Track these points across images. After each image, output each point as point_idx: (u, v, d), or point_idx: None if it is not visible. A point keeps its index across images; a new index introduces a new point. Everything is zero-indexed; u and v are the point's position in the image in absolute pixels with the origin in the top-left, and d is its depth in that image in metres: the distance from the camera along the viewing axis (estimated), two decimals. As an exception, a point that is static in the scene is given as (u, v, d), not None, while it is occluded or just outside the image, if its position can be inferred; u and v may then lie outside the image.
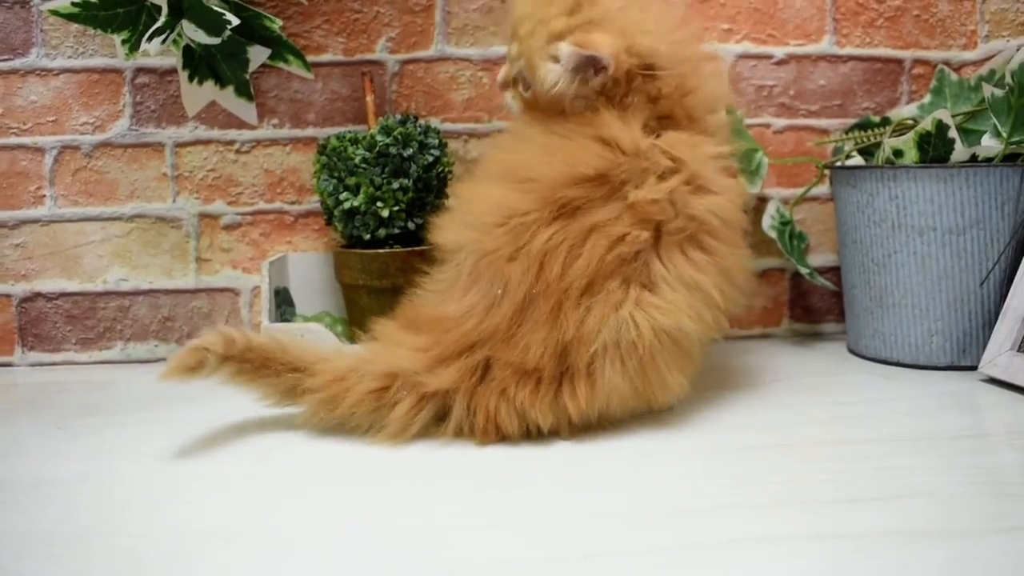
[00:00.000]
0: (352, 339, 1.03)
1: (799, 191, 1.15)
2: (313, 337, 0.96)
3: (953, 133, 0.95)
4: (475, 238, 0.79)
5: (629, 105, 0.82)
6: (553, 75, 0.83)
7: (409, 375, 0.77)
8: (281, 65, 1.05)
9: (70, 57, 1.08)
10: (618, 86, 0.82)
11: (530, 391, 0.75)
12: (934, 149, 0.97)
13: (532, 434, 0.77)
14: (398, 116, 1.01)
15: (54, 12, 0.94)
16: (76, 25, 1.01)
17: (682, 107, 0.83)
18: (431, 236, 0.85)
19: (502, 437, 0.77)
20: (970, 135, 1.02)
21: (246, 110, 1.07)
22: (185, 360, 0.75)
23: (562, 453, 0.75)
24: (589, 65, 0.81)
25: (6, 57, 1.08)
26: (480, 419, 0.76)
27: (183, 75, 1.03)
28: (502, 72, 0.91)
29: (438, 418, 0.78)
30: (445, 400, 0.77)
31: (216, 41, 0.95)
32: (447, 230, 0.83)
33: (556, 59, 0.82)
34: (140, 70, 1.09)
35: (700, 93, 0.84)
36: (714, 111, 0.87)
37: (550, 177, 0.78)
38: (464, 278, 0.78)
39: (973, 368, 0.97)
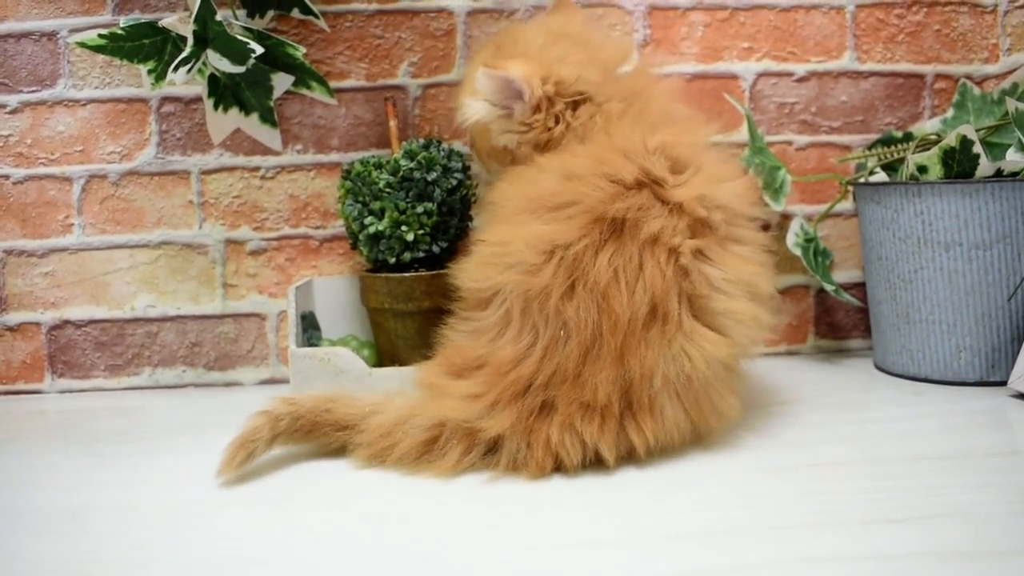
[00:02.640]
0: (378, 363, 1.03)
1: (823, 208, 1.14)
2: (340, 361, 0.96)
3: (978, 148, 0.95)
4: (518, 280, 0.75)
5: (577, 133, 0.84)
6: (471, 108, 0.86)
7: (459, 424, 0.75)
8: (304, 92, 1.07)
9: (97, 87, 1.10)
10: (539, 113, 0.84)
11: (597, 426, 0.73)
12: (959, 164, 0.97)
13: (588, 464, 0.76)
14: (421, 140, 1.01)
15: (81, 44, 0.95)
16: (102, 56, 1.03)
17: (637, 124, 0.83)
18: (457, 281, 0.82)
19: (557, 469, 0.75)
20: (994, 149, 1.02)
21: (270, 137, 1.09)
22: (237, 456, 0.75)
23: (591, 477, 0.75)
24: (508, 94, 0.83)
25: (34, 89, 1.09)
26: (538, 452, 0.74)
27: (208, 103, 1.04)
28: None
29: (486, 453, 0.76)
30: (497, 439, 0.75)
31: (241, 69, 0.96)
32: (479, 274, 0.79)
33: (476, 96, 0.85)
34: (166, 99, 1.10)
35: (651, 110, 0.85)
36: (669, 124, 0.86)
37: (592, 195, 0.75)
38: (515, 320, 0.75)
39: (1003, 383, 0.97)
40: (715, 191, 0.79)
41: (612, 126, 0.83)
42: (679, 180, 0.78)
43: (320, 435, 0.79)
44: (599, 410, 0.73)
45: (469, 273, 0.80)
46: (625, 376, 0.73)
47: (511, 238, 0.77)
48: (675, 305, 0.74)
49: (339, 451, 0.80)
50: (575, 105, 0.85)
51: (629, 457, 0.76)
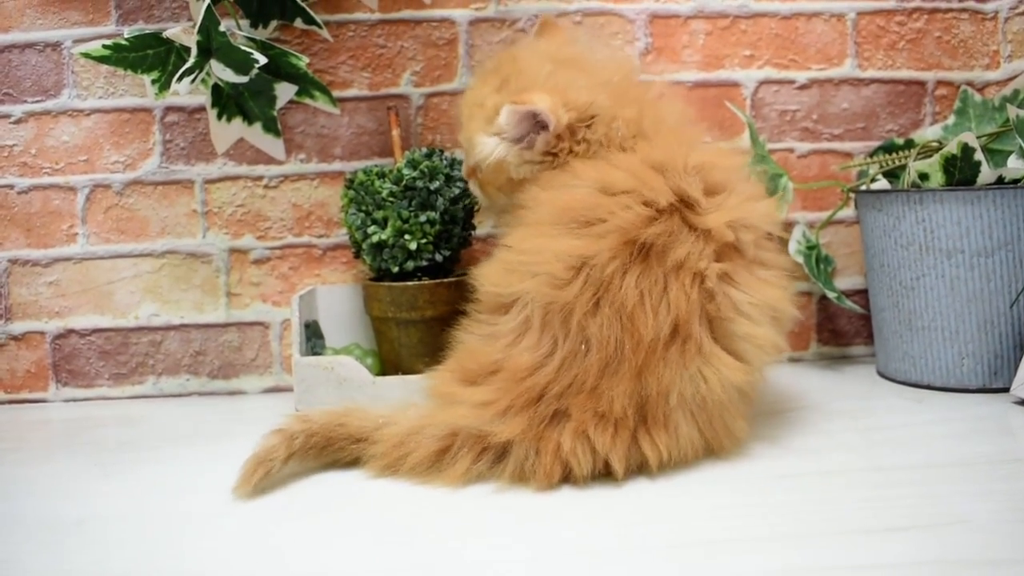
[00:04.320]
0: (381, 371, 1.03)
1: (824, 215, 1.15)
2: (344, 370, 0.96)
3: (979, 156, 0.95)
4: (543, 291, 0.75)
5: (587, 155, 0.84)
6: (488, 146, 0.86)
7: (471, 431, 0.75)
8: (308, 101, 1.07)
9: (101, 97, 1.10)
10: (562, 141, 0.84)
11: (610, 436, 0.73)
12: (960, 172, 0.97)
13: (597, 476, 0.75)
14: (424, 149, 1.02)
15: (85, 55, 0.96)
16: (106, 66, 1.03)
17: (646, 139, 0.84)
18: (477, 283, 0.82)
19: (565, 479, 0.74)
20: (995, 155, 1.02)
21: (274, 146, 1.09)
22: (254, 475, 0.75)
23: (595, 486, 0.75)
24: (529, 126, 0.83)
25: (38, 99, 1.10)
26: (547, 460, 0.73)
27: (212, 113, 1.04)
28: (464, 164, 0.96)
29: (495, 461, 0.76)
30: (506, 446, 0.75)
31: (244, 79, 0.96)
32: (502, 280, 0.79)
33: (495, 133, 0.85)
34: (169, 109, 1.11)
35: (659, 122, 0.86)
36: (689, 131, 0.88)
37: (625, 217, 0.75)
38: (534, 329, 0.75)
39: (1005, 390, 0.97)
40: (747, 214, 0.79)
41: (644, 136, 0.84)
42: (712, 204, 0.78)
43: (334, 450, 0.80)
44: (613, 421, 0.73)
45: (491, 277, 0.80)
46: (642, 392, 0.73)
47: (540, 248, 0.77)
48: (697, 328, 0.75)
49: (351, 463, 0.80)
50: (589, 127, 0.84)
51: (639, 470, 0.76)
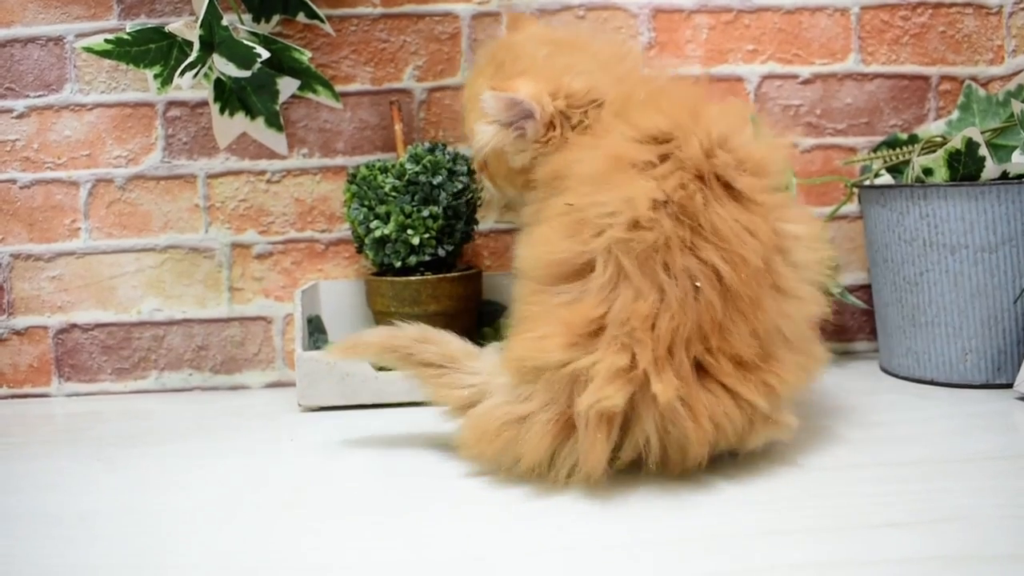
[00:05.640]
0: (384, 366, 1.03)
1: (828, 210, 1.15)
2: (346, 364, 0.96)
3: (983, 151, 0.95)
4: (629, 235, 0.68)
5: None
6: (484, 134, 0.84)
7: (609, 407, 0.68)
8: (310, 96, 1.07)
9: (103, 92, 1.10)
10: (553, 129, 0.83)
11: (752, 385, 0.70)
12: (964, 167, 0.97)
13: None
14: (426, 144, 1.02)
15: (88, 49, 0.96)
16: (109, 61, 1.03)
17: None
18: (532, 257, 0.74)
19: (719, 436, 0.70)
20: (999, 150, 1.02)
21: (276, 141, 1.09)
22: (347, 350, 0.80)
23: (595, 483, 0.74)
24: (516, 113, 0.82)
25: (41, 93, 1.10)
26: (703, 422, 0.68)
27: (214, 107, 1.04)
28: (473, 158, 0.96)
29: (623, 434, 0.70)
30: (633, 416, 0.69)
31: (246, 74, 0.96)
32: (567, 244, 0.72)
33: (488, 121, 0.84)
34: (172, 103, 1.11)
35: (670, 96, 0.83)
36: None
37: (687, 152, 0.71)
38: (634, 276, 0.68)
39: (1008, 386, 0.97)
40: (774, 150, 0.77)
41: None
42: (748, 139, 0.76)
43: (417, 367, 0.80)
44: (746, 365, 0.70)
45: (554, 245, 0.72)
46: (761, 327, 0.70)
47: (607, 199, 0.70)
48: (776, 256, 0.72)
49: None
50: (588, 113, 0.83)
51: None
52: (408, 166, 0.98)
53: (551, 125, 0.83)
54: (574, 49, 0.87)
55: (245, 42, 0.93)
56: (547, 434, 0.70)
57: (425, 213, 0.97)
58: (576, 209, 0.72)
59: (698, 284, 0.68)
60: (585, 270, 0.71)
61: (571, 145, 0.81)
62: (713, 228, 0.69)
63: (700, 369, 0.69)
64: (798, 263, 0.75)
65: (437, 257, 0.99)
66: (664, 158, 0.72)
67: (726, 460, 0.76)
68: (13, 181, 1.10)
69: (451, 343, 0.80)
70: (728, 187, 0.72)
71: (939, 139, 1.04)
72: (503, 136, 0.84)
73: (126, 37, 0.96)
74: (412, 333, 0.80)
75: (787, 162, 0.81)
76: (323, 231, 1.13)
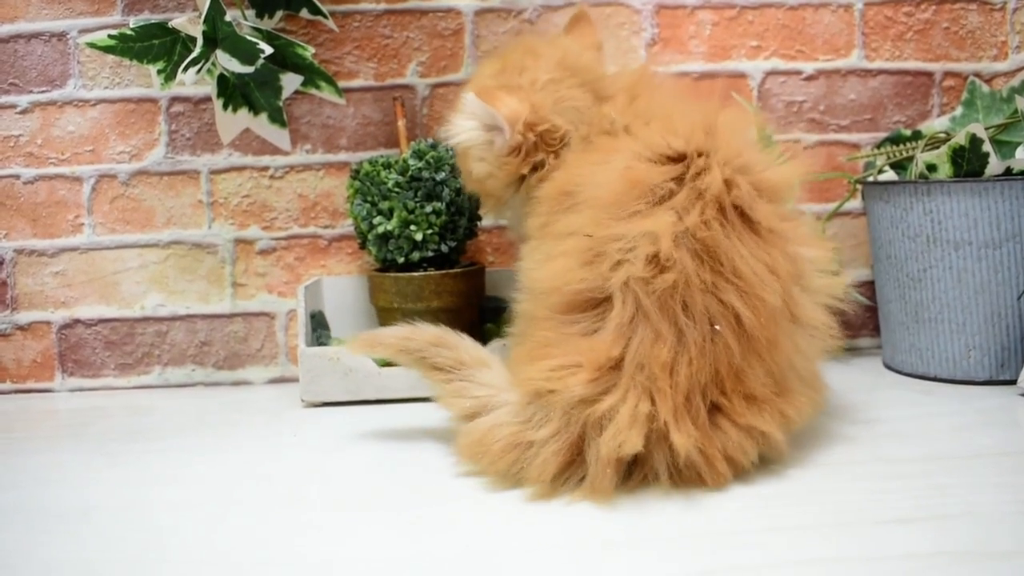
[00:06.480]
0: (386, 362, 1.03)
1: (831, 206, 1.14)
2: (349, 360, 0.96)
3: (987, 147, 0.95)
4: (648, 274, 0.68)
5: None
6: (457, 127, 0.85)
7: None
8: (313, 91, 1.07)
9: (106, 88, 1.10)
10: (516, 156, 0.83)
11: (767, 416, 0.70)
12: (968, 163, 0.96)
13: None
14: (430, 140, 1.02)
15: (91, 45, 0.96)
16: (112, 56, 1.03)
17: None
18: (541, 284, 0.73)
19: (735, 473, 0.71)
20: (1003, 147, 1.02)
21: (279, 136, 1.09)
22: (365, 347, 0.81)
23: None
24: (491, 123, 0.82)
25: (44, 89, 1.10)
26: (718, 465, 0.69)
27: (217, 103, 1.04)
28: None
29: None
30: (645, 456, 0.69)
31: (250, 70, 0.96)
32: (581, 274, 0.70)
33: (467, 117, 0.84)
34: (175, 99, 1.11)
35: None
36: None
37: (705, 181, 0.70)
38: (652, 317, 0.67)
39: (1012, 382, 0.97)
40: (787, 172, 0.77)
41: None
42: (763, 160, 0.75)
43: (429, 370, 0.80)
44: (759, 402, 0.70)
45: (571, 274, 0.71)
46: (775, 365, 0.70)
47: (624, 231, 0.69)
48: (792, 286, 0.72)
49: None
50: (558, 153, 0.83)
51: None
52: (411, 162, 0.97)
53: (516, 151, 0.83)
54: (581, 79, 0.85)
55: (248, 38, 0.93)
56: (555, 462, 0.69)
57: (428, 209, 0.97)
58: (594, 240, 0.71)
59: (717, 327, 0.68)
60: (602, 302, 0.70)
61: (573, 162, 0.80)
62: (734, 268, 0.69)
63: (715, 408, 0.70)
64: (811, 288, 0.75)
65: (440, 253, 0.99)
66: (680, 179, 0.71)
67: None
68: (17, 176, 1.10)
69: (465, 349, 0.80)
70: (746, 217, 0.71)
71: (943, 135, 1.04)
72: (474, 136, 0.85)
73: (129, 33, 0.96)
74: (428, 336, 0.80)
75: (799, 180, 0.80)
76: (326, 227, 1.13)
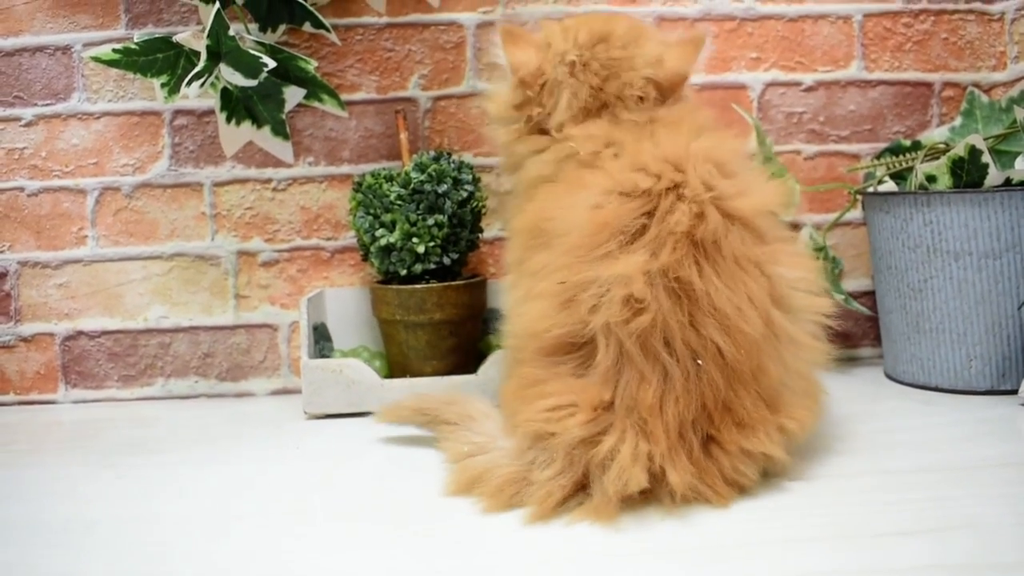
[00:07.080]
0: (389, 374, 1.04)
1: (832, 217, 1.15)
2: (352, 372, 0.97)
3: (987, 158, 0.95)
4: (627, 316, 0.68)
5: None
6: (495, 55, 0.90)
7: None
8: (316, 104, 1.07)
9: (110, 101, 1.11)
10: (523, 108, 0.86)
11: (761, 436, 0.71)
12: (967, 174, 0.97)
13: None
14: (432, 152, 1.02)
15: (95, 59, 0.96)
16: (116, 70, 1.03)
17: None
18: (520, 328, 0.75)
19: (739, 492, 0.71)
20: (1002, 157, 1.02)
21: (282, 149, 1.09)
22: (389, 416, 0.86)
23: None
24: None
25: (49, 102, 1.10)
26: (720, 488, 0.70)
27: (221, 116, 1.05)
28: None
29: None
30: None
31: (253, 83, 0.97)
32: (559, 318, 0.71)
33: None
34: (179, 112, 1.11)
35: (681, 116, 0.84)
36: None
37: (674, 219, 0.71)
38: (635, 359, 0.68)
39: (1013, 392, 0.97)
40: (764, 195, 0.77)
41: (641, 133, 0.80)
42: (733, 188, 0.75)
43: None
44: (752, 426, 0.71)
45: (550, 320, 0.72)
46: (764, 389, 0.71)
47: (597, 275, 0.70)
48: (775, 311, 0.72)
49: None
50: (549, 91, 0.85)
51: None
52: (413, 175, 0.98)
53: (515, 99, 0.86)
54: (599, 79, 0.84)
55: (251, 51, 0.94)
56: (559, 495, 0.70)
57: (430, 221, 0.97)
58: (564, 286, 0.71)
59: (700, 362, 0.69)
60: (584, 344, 0.71)
61: (542, 196, 0.81)
62: (711, 303, 0.69)
63: (709, 439, 0.70)
64: (794, 308, 0.75)
65: (442, 265, 1.00)
66: (650, 214, 0.71)
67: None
68: (21, 189, 1.11)
69: (472, 405, 0.83)
70: (719, 248, 0.71)
71: (942, 146, 1.04)
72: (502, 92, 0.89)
73: (133, 47, 0.97)
74: (441, 396, 0.87)
75: (785, 199, 0.81)
76: (329, 239, 1.13)
